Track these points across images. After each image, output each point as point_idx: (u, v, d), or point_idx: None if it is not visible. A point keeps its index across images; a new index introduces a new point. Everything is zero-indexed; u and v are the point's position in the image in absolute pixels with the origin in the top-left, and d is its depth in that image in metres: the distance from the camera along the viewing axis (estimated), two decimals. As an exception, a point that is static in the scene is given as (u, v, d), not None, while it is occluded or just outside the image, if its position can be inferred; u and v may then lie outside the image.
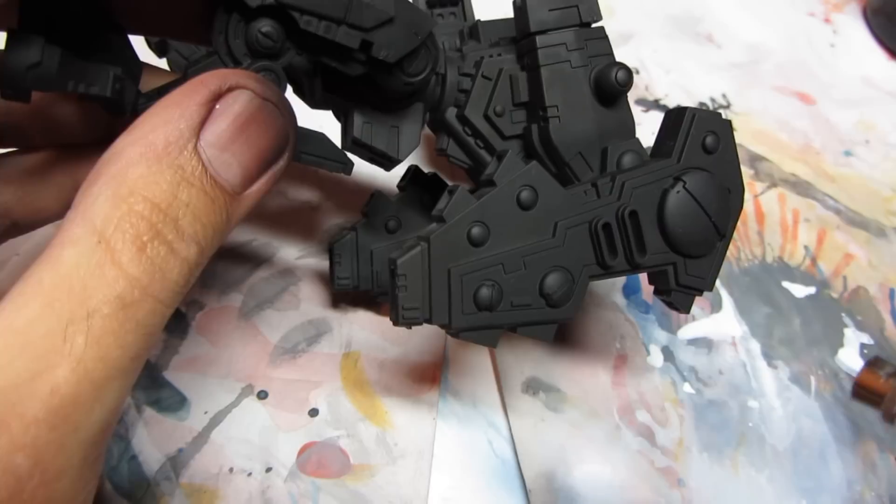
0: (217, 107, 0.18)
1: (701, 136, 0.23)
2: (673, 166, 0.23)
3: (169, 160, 0.16)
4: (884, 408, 0.16)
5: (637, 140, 0.25)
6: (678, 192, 0.23)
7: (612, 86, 0.24)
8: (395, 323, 0.21)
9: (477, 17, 0.32)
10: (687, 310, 0.25)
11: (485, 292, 0.22)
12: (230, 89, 0.18)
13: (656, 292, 0.25)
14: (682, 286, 0.24)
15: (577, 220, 0.23)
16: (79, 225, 0.15)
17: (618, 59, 0.25)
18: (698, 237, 0.23)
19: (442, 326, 0.22)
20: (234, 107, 0.18)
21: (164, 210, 0.16)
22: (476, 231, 0.22)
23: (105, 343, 0.15)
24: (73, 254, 0.15)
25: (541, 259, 0.22)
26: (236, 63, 0.21)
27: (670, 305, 0.25)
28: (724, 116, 0.24)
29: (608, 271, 0.23)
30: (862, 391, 0.17)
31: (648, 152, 0.25)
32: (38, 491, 0.15)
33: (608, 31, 0.26)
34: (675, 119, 0.24)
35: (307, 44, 0.22)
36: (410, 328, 0.22)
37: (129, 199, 0.16)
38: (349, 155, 0.26)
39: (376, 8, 0.21)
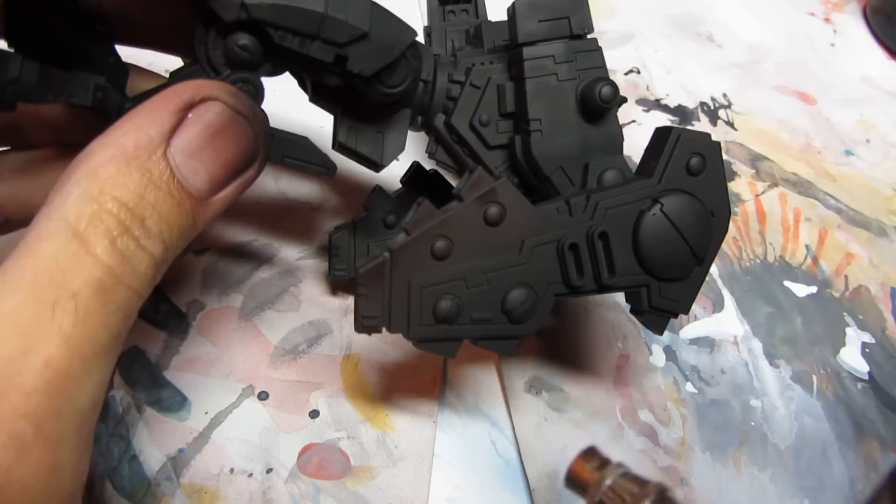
0: (189, 116, 0.19)
1: (685, 157, 0.23)
2: (652, 187, 0.23)
3: (137, 163, 0.17)
4: (588, 494, 0.17)
5: (621, 157, 0.25)
6: (654, 214, 0.22)
7: (596, 102, 0.24)
8: (356, 329, 0.22)
9: (491, 14, 0.32)
10: (660, 331, 0.24)
11: (444, 305, 0.22)
12: (203, 100, 0.19)
13: (632, 311, 0.24)
14: (654, 308, 0.23)
15: (545, 239, 0.22)
16: (53, 220, 0.16)
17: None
18: (673, 261, 0.23)
19: (405, 336, 0.22)
20: (206, 117, 0.19)
21: (132, 209, 0.17)
22: (439, 245, 0.22)
23: (90, 322, 0.16)
24: (50, 246, 0.16)
25: (505, 275, 0.22)
26: (216, 73, 0.22)
27: (645, 325, 0.24)
28: (713, 137, 0.23)
29: (574, 290, 0.23)
30: (570, 480, 0.19)
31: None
32: (44, 455, 0.16)
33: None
34: (660, 139, 0.23)
35: (284, 57, 0.22)
36: (370, 335, 0.22)
37: (99, 197, 0.17)
38: (339, 156, 0.26)
39: (349, 24, 0.21)
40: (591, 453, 0.17)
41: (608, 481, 0.17)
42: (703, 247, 0.23)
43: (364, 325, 0.22)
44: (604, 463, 0.17)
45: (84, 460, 0.17)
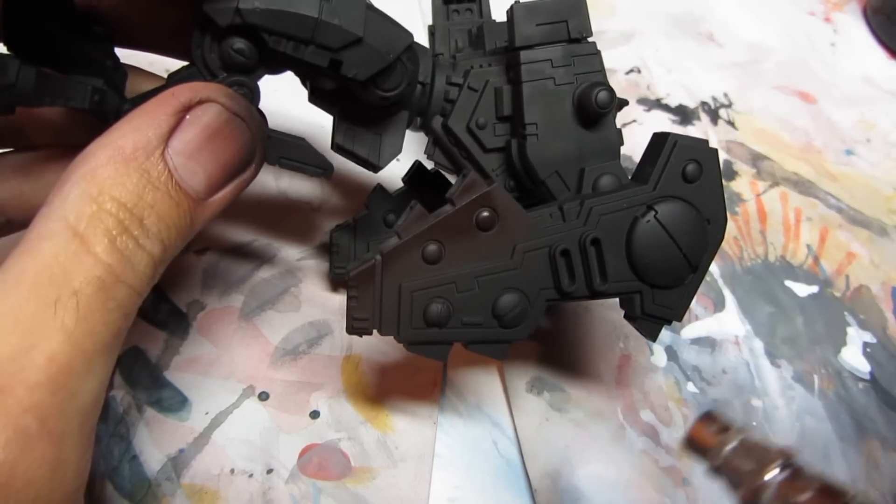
0: (187, 117, 0.19)
1: (681, 164, 0.23)
2: (647, 194, 0.23)
3: (136, 164, 0.18)
4: (709, 458, 0.17)
5: (618, 162, 0.25)
6: (648, 221, 0.22)
7: (592, 107, 0.24)
8: (347, 331, 0.22)
9: (495, 14, 0.32)
10: (653, 338, 0.24)
11: (434, 309, 0.22)
12: (200, 102, 0.19)
13: (626, 317, 0.24)
14: (647, 315, 0.23)
15: (538, 244, 0.22)
16: (53, 220, 0.17)
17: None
18: (667, 268, 0.23)
19: (395, 338, 0.22)
20: (203, 118, 0.19)
21: (131, 209, 0.17)
22: (431, 249, 0.22)
23: (92, 319, 0.16)
24: (50, 245, 0.16)
25: (496, 280, 0.22)
26: (213, 76, 0.22)
27: (638, 330, 0.24)
28: (710, 144, 0.23)
29: (566, 296, 0.23)
30: (690, 443, 0.19)
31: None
32: (48, 450, 0.16)
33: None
34: (657, 144, 0.23)
35: (280, 61, 0.22)
36: (361, 336, 0.22)
37: (98, 198, 0.17)
38: (339, 156, 0.26)
39: (343, 28, 0.21)
40: (710, 417, 0.17)
41: (729, 447, 0.17)
42: (697, 254, 0.23)
43: (355, 326, 0.22)
44: (724, 427, 0.16)
45: (86, 456, 0.18)
